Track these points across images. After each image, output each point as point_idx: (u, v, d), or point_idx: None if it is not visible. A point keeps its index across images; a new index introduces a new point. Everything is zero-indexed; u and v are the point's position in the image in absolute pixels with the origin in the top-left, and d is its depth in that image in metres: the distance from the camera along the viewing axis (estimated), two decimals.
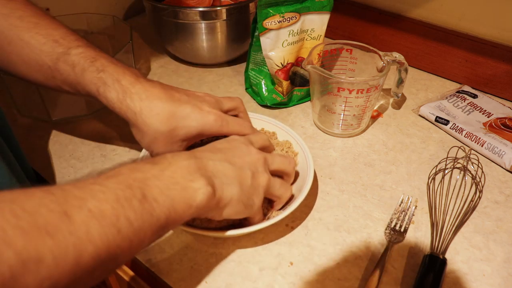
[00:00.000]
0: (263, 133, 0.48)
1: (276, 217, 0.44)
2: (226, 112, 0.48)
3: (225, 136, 0.46)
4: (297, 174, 0.51)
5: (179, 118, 0.43)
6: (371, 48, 0.59)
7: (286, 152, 0.54)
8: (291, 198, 0.49)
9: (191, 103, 0.44)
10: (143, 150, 0.51)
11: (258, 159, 0.41)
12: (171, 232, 0.48)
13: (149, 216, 0.30)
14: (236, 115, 0.50)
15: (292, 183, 0.50)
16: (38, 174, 0.56)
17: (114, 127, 0.63)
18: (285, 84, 0.65)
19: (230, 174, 0.38)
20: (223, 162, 0.38)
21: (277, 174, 0.45)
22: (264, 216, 0.47)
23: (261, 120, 0.57)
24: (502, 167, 0.57)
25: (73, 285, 0.25)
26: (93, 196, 0.28)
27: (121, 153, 0.59)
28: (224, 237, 0.47)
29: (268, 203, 0.48)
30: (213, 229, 0.44)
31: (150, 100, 0.42)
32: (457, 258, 0.46)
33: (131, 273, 0.53)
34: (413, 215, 0.50)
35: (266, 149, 0.47)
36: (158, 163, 0.34)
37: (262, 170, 0.41)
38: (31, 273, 0.23)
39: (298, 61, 0.65)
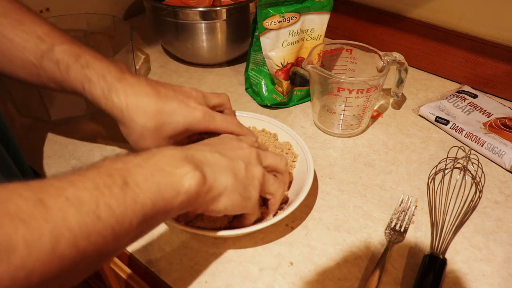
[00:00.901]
0: (251, 134, 0.48)
1: (276, 216, 0.44)
2: (212, 108, 0.48)
3: (213, 134, 0.46)
4: (291, 178, 0.51)
5: (166, 114, 0.43)
6: (371, 48, 0.59)
7: (286, 153, 0.53)
8: (287, 200, 0.49)
9: (177, 98, 0.44)
10: None
11: (251, 152, 0.40)
12: (171, 232, 0.48)
13: (133, 202, 0.29)
14: (221, 111, 0.50)
15: (288, 187, 0.50)
16: (38, 175, 0.56)
17: (114, 127, 0.63)
18: (285, 84, 0.65)
19: (222, 164, 0.37)
20: (214, 153, 0.37)
21: (270, 171, 0.44)
22: (261, 218, 0.47)
23: (262, 120, 0.57)
24: (502, 167, 0.57)
25: (52, 277, 0.24)
26: (71, 185, 0.27)
27: (121, 153, 0.59)
28: (224, 237, 0.47)
29: (264, 205, 0.48)
30: (213, 229, 0.44)
31: (136, 96, 0.42)
32: (457, 258, 0.46)
33: (130, 272, 0.53)
34: (413, 215, 0.50)
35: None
36: (141, 154, 0.33)
37: (255, 163, 0.40)
38: (3, 262, 0.22)
39: (298, 61, 0.65)
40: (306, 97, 0.70)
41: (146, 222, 0.31)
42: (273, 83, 0.66)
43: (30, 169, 0.54)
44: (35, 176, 0.55)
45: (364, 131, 0.64)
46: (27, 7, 0.45)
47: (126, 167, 0.31)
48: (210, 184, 0.35)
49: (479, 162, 0.56)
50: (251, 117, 0.57)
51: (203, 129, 0.46)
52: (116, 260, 0.54)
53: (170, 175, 0.32)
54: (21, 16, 0.43)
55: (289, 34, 0.61)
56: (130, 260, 0.47)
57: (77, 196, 0.26)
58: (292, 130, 0.55)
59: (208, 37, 0.72)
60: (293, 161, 0.53)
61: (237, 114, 0.57)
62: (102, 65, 0.42)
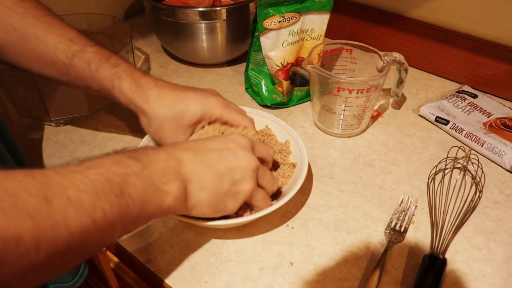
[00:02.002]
0: (270, 146, 0.47)
1: (273, 206, 0.44)
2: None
3: None
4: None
5: (183, 101, 0.47)
6: (371, 48, 0.59)
7: (280, 152, 0.54)
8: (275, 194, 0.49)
9: (194, 90, 0.48)
10: (143, 140, 0.52)
11: (249, 166, 0.41)
12: (171, 232, 0.48)
13: (123, 211, 0.32)
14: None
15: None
16: None
17: (114, 127, 0.63)
18: (285, 84, 0.65)
19: (206, 179, 0.39)
20: (203, 165, 0.39)
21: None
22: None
23: (264, 117, 0.57)
24: (502, 167, 0.57)
25: (46, 267, 0.27)
26: (73, 185, 0.29)
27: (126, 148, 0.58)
28: (216, 228, 0.47)
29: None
30: (203, 219, 0.44)
31: (158, 88, 0.47)
32: (457, 258, 0.46)
33: (131, 273, 0.53)
34: (413, 215, 0.50)
35: (265, 162, 0.47)
36: (139, 159, 0.35)
37: (248, 177, 0.41)
38: (10, 250, 0.24)
39: (298, 61, 0.65)
40: (306, 97, 0.69)
41: (128, 227, 0.34)
42: (273, 83, 0.66)
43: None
44: None
45: (364, 131, 0.64)
46: (55, 13, 0.49)
47: (124, 174, 0.33)
48: (188, 200, 0.39)
49: (479, 162, 0.56)
50: (254, 114, 0.57)
51: (218, 116, 0.48)
52: (116, 260, 0.54)
53: (157, 192, 0.35)
54: (52, 20, 0.47)
55: (289, 34, 0.61)
56: (130, 260, 0.47)
57: (78, 197, 0.28)
58: (289, 126, 0.55)
59: (208, 37, 0.72)
60: (286, 156, 0.53)
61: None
62: (129, 65, 0.48)
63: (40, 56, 0.46)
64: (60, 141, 0.61)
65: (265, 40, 0.61)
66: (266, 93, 0.67)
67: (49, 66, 0.47)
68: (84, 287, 0.81)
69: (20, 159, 0.49)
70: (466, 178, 0.55)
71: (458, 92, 0.69)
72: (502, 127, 0.61)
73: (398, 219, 0.49)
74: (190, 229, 0.48)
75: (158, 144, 0.49)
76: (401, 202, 0.52)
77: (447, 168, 0.56)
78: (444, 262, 0.43)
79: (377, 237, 0.48)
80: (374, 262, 0.45)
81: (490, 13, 0.68)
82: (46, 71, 0.48)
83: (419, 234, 0.48)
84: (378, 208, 0.51)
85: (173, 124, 0.47)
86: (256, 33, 0.63)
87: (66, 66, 0.46)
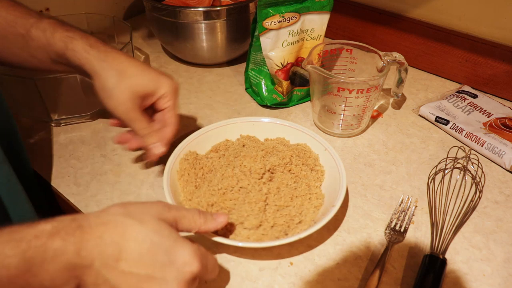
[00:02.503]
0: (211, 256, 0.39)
1: (295, 235, 0.43)
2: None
3: None
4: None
5: (140, 67, 0.46)
6: (371, 48, 0.59)
7: (312, 169, 0.53)
8: None
9: (153, 68, 0.48)
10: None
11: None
12: None
13: None
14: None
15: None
16: (38, 175, 0.55)
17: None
18: (285, 84, 0.65)
19: None
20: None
21: None
22: None
23: (296, 129, 0.56)
24: (502, 167, 0.57)
25: None
26: None
27: (121, 153, 0.59)
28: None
29: None
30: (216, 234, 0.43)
31: (115, 53, 0.46)
32: (457, 258, 0.46)
33: None
34: (413, 215, 0.50)
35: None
36: (38, 246, 0.28)
37: None
38: None
39: (298, 61, 0.65)
40: (306, 97, 0.70)
41: None
42: (273, 83, 0.66)
43: (31, 169, 0.54)
44: (35, 175, 0.55)
45: (364, 131, 0.64)
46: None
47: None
48: None
49: (479, 162, 0.56)
50: (284, 124, 0.57)
51: (169, 99, 0.48)
52: None
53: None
54: (16, 4, 0.48)
55: (289, 34, 0.61)
56: None
57: None
58: (330, 146, 0.53)
59: (208, 37, 0.72)
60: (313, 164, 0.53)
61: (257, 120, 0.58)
62: (85, 33, 0.47)
63: (3, 34, 0.46)
64: (60, 141, 0.61)
65: (265, 40, 0.61)
66: (266, 93, 0.67)
67: (11, 42, 0.47)
68: None
69: (23, 157, 0.49)
70: (466, 178, 0.55)
71: (458, 92, 0.69)
72: (502, 127, 0.61)
73: (398, 219, 0.49)
74: None
75: (111, 112, 0.47)
76: (401, 202, 0.52)
77: (447, 168, 0.56)
78: (444, 262, 0.43)
79: (377, 237, 0.48)
80: (374, 262, 0.45)
81: (490, 13, 0.69)
82: (10, 49, 0.48)
83: (419, 234, 0.48)
84: (378, 208, 0.51)
85: (125, 90, 0.45)
86: (256, 33, 0.63)
87: (25, 38, 0.46)
